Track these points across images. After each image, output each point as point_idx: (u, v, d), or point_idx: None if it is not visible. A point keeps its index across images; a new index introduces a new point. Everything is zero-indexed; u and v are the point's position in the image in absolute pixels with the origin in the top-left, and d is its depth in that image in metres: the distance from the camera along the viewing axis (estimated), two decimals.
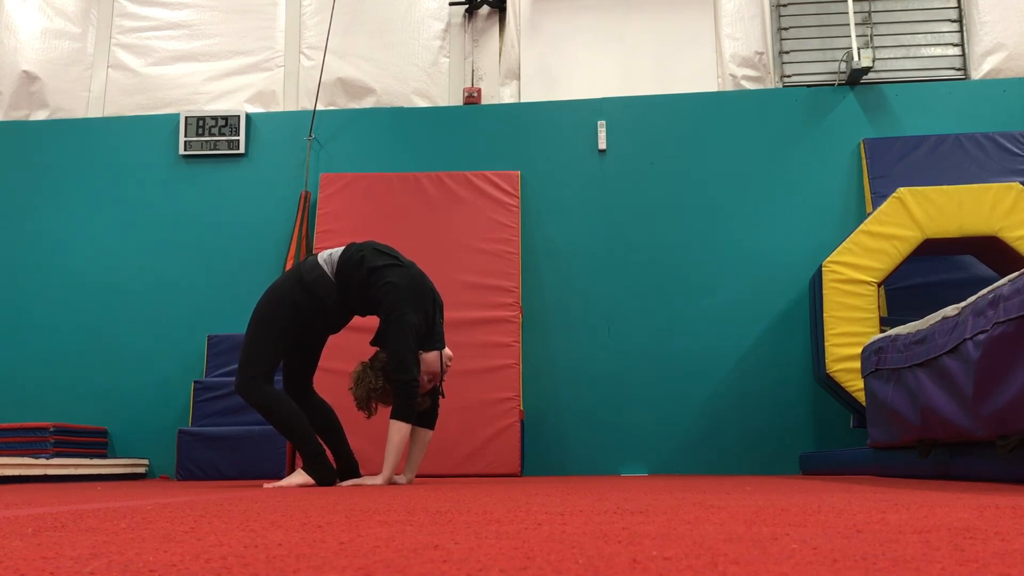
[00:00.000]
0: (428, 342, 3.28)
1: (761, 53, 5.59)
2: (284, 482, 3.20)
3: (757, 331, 5.10)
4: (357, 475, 3.46)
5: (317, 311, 3.28)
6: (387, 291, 3.20)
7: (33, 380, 5.36)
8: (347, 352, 4.48)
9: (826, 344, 4.35)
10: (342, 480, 3.43)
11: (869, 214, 4.82)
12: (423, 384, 3.27)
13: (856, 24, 5.44)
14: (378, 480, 3.20)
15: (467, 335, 4.85)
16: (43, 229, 5.59)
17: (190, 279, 5.44)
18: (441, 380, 3.35)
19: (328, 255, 3.32)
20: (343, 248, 3.34)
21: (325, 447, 3.36)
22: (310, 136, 5.55)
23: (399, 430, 3.15)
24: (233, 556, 0.82)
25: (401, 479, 3.40)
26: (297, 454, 3.45)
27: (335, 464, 3.44)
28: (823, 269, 4.45)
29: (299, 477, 3.20)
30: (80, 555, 0.83)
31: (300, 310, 3.27)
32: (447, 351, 3.36)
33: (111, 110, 5.84)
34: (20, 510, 1.62)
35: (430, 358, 3.28)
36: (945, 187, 4.44)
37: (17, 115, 5.88)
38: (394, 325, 3.16)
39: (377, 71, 5.77)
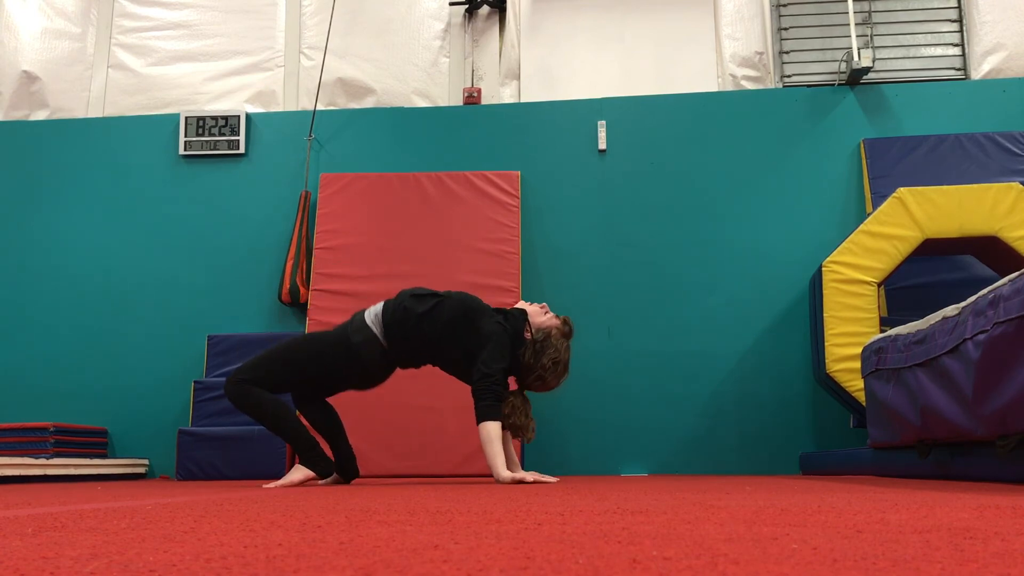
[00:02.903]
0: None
1: (761, 53, 5.59)
2: (285, 480, 3.20)
3: (757, 331, 5.10)
4: (356, 474, 3.48)
5: (352, 373, 3.29)
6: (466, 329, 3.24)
7: (33, 380, 5.36)
8: None
9: (826, 344, 4.35)
10: (345, 480, 3.44)
11: (869, 214, 4.81)
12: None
13: (856, 24, 5.44)
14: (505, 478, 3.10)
15: None
16: (43, 229, 5.59)
17: (190, 279, 5.44)
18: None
19: (374, 315, 3.29)
20: (380, 307, 3.30)
21: (324, 445, 3.37)
22: (310, 136, 5.55)
23: (483, 430, 3.10)
24: (233, 556, 0.82)
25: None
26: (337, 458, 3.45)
27: (335, 456, 3.45)
28: (823, 269, 4.45)
29: (299, 473, 3.21)
30: (80, 555, 0.83)
31: (332, 367, 3.27)
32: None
33: (111, 110, 5.84)
34: (20, 510, 1.62)
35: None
36: (945, 187, 4.44)
37: (17, 115, 5.88)
38: (483, 348, 3.19)
39: (377, 71, 5.77)
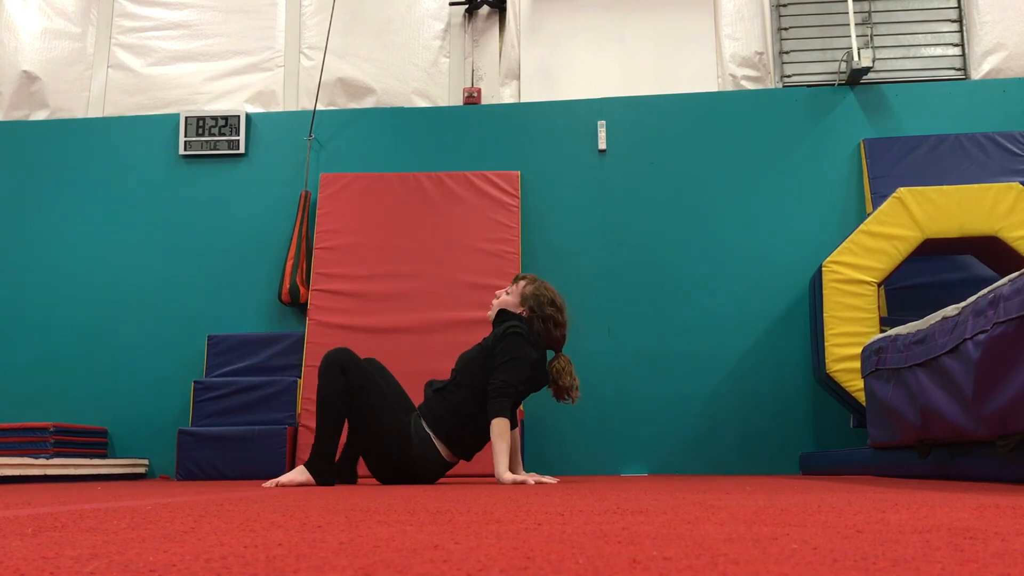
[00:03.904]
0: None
1: (761, 53, 5.59)
2: (286, 478, 3.22)
3: (757, 331, 5.10)
4: (354, 475, 3.47)
5: (401, 468, 3.31)
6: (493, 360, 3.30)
7: (33, 380, 5.36)
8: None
9: (826, 344, 4.35)
10: (341, 479, 3.43)
11: (869, 214, 4.81)
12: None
13: (856, 24, 5.44)
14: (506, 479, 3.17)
15: (467, 335, 4.84)
16: (43, 229, 5.59)
17: (190, 279, 5.44)
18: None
19: (423, 421, 3.31)
20: (418, 416, 3.33)
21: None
22: (310, 136, 5.55)
23: (493, 427, 3.21)
24: (233, 556, 0.82)
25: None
26: (298, 454, 3.45)
27: (339, 454, 3.44)
28: (823, 269, 4.45)
29: (300, 476, 3.23)
30: (80, 555, 0.83)
31: (382, 443, 3.29)
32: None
33: (111, 110, 5.84)
34: (20, 510, 1.62)
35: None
36: (945, 187, 4.44)
37: (17, 115, 5.88)
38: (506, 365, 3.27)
39: (377, 71, 5.77)
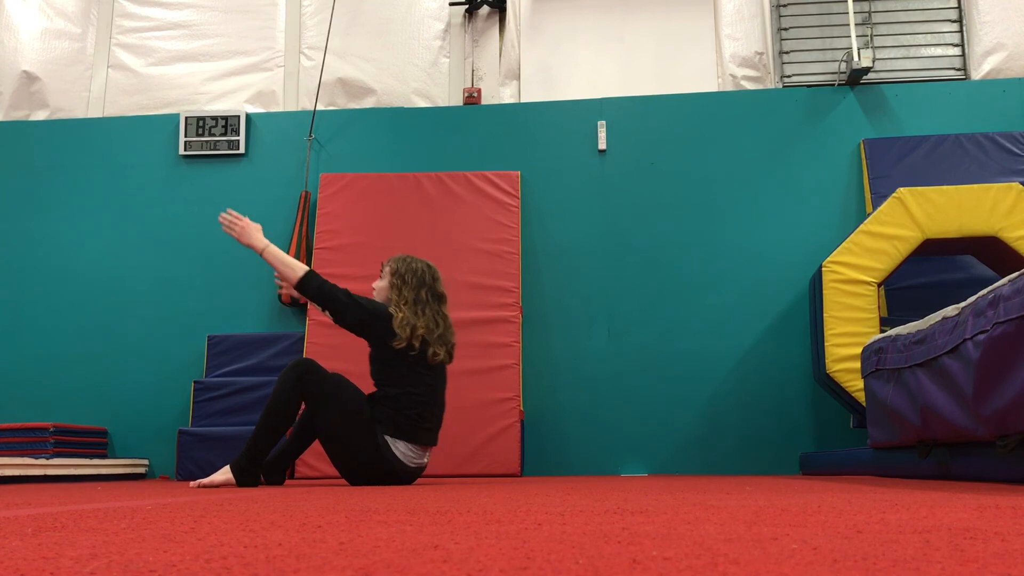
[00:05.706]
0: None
1: (761, 53, 5.59)
2: (208, 479, 3.25)
3: (757, 331, 5.10)
4: (282, 477, 3.46)
5: (372, 464, 3.26)
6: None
7: (33, 380, 5.36)
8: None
9: (826, 344, 4.35)
10: (266, 480, 3.40)
11: (869, 214, 4.82)
12: None
13: (856, 24, 5.44)
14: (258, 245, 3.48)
15: (467, 335, 4.83)
16: (43, 229, 5.59)
17: (190, 279, 5.44)
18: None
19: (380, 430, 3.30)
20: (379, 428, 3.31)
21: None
22: (310, 136, 5.55)
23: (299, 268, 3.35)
24: (233, 556, 0.82)
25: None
26: (273, 454, 3.40)
27: (271, 455, 3.40)
28: (823, 269, 4.45)
29: (222, 475, 3.25)
30: (80, 555, 0.83)
31: (347, 438, 3.26)
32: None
33: (111, 110, 5.84)
34: (20, 510, 1.62)
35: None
36: (945, 187, 4.44)
37: (17, 115, 5.88)
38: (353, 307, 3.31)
39: (377, 71, 5.77)
